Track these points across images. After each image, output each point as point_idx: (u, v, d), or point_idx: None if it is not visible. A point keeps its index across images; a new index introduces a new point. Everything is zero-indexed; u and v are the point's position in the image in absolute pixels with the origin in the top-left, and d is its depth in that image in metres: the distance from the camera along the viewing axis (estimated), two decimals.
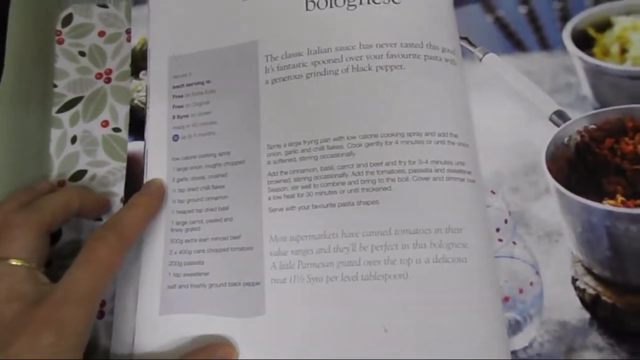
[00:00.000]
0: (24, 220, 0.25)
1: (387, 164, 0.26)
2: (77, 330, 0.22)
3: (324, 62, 0.28)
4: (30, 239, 0.25)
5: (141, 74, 0.32)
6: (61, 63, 0.34)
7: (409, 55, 0.27)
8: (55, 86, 0.33)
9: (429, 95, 0.27)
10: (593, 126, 0.28)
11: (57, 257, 0.29)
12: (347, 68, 0.27)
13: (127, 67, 0.33)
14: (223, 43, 0.30)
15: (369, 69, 0.27)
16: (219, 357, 0.25)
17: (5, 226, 0.25)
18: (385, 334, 0.24)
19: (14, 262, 0.24)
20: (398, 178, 0.25)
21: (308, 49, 0.28)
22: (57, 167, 0.32)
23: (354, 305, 0.25)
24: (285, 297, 0.26)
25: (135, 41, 0.33)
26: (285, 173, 0.27)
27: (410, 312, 0.24)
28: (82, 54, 0.34)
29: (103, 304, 0.29)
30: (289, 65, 0.28)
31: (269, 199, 0.27)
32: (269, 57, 0.29)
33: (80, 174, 0.31)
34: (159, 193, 0.28)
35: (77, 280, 0.23)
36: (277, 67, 0.28)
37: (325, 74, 0.28)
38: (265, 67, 0.29)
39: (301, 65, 0.28)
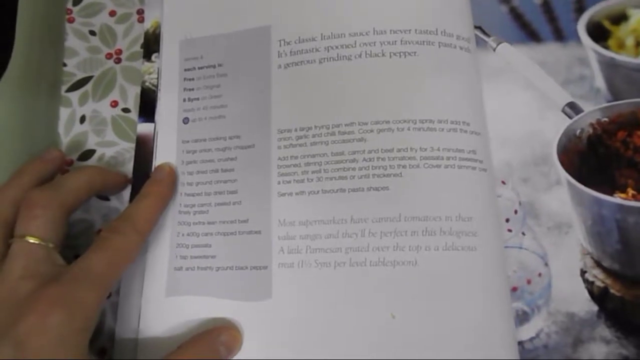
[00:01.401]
0: (47, 200, 0.24)
1: (399, 150, 0.25)
2: (87, 312, 0.22)
3: (337, 47, 0.27)
4: (51, 219, 0.24)
5: (153, 57, 0.31)
6: (71, 42, 0.33)
7: (423, 42, 0.27)
8: (64, 65, 0.32)
9: (442, 82, 0.26)
10: (606, 119, 0.28)
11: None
12: (361, 54, 0.27)
13: (137, 47, 0.32)
14: (236, 27, 0.29)
15: (383, 55, 0.26)
16: (224, 341, 0.24)
17: (27, 203, 0.24)
18: (393, 320, 0.23)
19: (32, 241, 0.23)
20: (409, 165, 0.25)
21: (322, 34, 0.27)
22: (66, 146, 0.31)
23: (361, 291, 0.24)
24: (293, 281, 0.25)
25: (148, 24, 0.32)
26: (296, 158, 0.26)
27: (418, 299, 0.24)
28: (92, 33, 0.33)
29: None
30: (302, 50, 0.28)
31: (279, 183, 0.26)
32: (282, 42, 0.28)
33: (89, 153, 0.31)
34: (170, 179, 0.28)
35: (93, 263, 0.23)
36: (290, 51, 0.28)
37: (338, 60, 0.27)
38: (278, 52, 0.28)
39: (314, 50, 0.27)
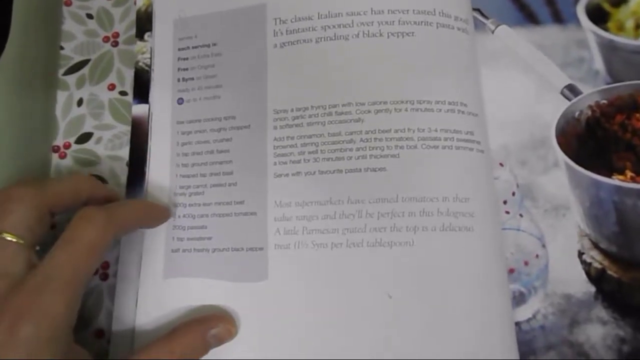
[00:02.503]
0: (24, 195, 0.23)
1: (396, 131, 0.24)
2: (55, 322, 0.20)
3: (334, 26, 0.26)
4: (27, 215, 0.22)
5: (146, 36, 0.30)
6: (68, 25, 0.32)
7: (421, 22, 0.26)
8: (62, 48, 0.32)
9: (439, 63, 0.25)
10: (604, 101, 0.27)
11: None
12: (358, 33, 0.26)
13: (134, 31, 0.31)
14: (230, 5, 0.28)
15: (380, 35, 0.26)
16: (216, 334, 0.24)
17: (4, 198, 0.23)
18: (390, 301, 0.23)
19: (7, 238, 0.22)
20: (407, 145, 0.24)
21: (318, 12, 0.27)
22: (63, 129, 0.30)
23: (358, 272, 0.24)
24: (289, 263, 0.24)
25: (140, 2, 0.31)
26: (292, 138, 0.26)
27: (415, 279, 0.23)
28: (89, 16, 0.32)
29: (107, 266, 0.28)
30: (298, 29, 0.27)
31: (275, 164, 0.26)
32: (278, 21, 0.27)
33: (87, 136, 0.30)
34: (164, 214, 0.26)
35: (58, 264, 0.21)
36: (286, 30, 0.27)
37: (335, 39, 0.26)
38: (274, 31, 0.27)
39: (311, 29, 0.26)
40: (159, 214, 0.26)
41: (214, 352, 0.24)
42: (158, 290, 0.26)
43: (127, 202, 0.25)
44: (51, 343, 0.20)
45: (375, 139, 0.24)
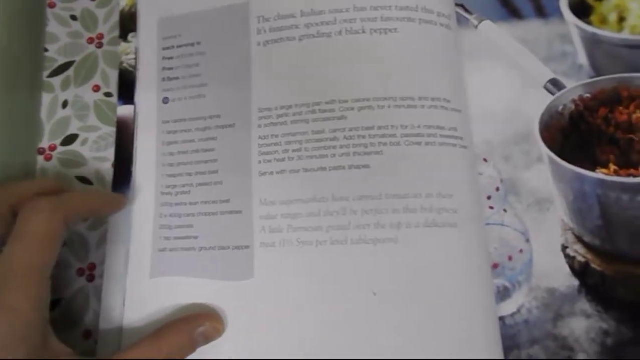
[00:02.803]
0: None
1: (380, 128, 0.24)
2: (22, 319, 0.20)
3: (317, 24, 0.26)
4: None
5: (130, 37, 0.30)
6: (52, 27, 0.32)
7: (404, 18, 0.26)
8: (46, 50, 0.31)
9: (422, 59, 0.25)
10: (588, 95, 0.27)
11: None
12: (341, 31, 0.26)
13: (118, 32, 0.31)
14: (214, 4, 0.28)
15: (363, 32, 0.26)
16: (203, 332, 0.23)
17: None
18: (374, 297, 0.23)
19: None
20: (390, 142, 0.24)
21: (301, 10, 0.26)
22: (48, 131, 0.30)
23: (343, 269, 0.23)
24: (274, 261, 0.24)
25: (124, 3, 0.31)
26: (276, 137, 0.25)
27: (399, 276, 0.23)
28: (73, 18, 0.32)
29: (93, 267, 0.28)
30: (282, 27, 0.27)
31: (259, 162, 0.25)
32: (261, 19, 0.27)
33: (72, 138, 0.30)
34: (120, 200, 0.26)
35: (13, 261, 0.20)
36: (269, 28, 0.27)
37: (318, 37, 0.26)
38: (257, 29, 0.27)
39: (294, 27, 0.26)
40: (113, 200, 0.26)
41: (201, 351, 0.24)
42: (145, 289, 0.26)
43: (77, 190, 0.25)
44: (23, 342, 0.20)
45: (358, 136, 0.24)
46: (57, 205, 0.22)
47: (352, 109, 0.25)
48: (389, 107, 0.25)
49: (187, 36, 0.28)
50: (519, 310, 0.24)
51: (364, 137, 0.24)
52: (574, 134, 0.26)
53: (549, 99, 0.27)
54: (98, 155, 0.29)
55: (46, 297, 0.21)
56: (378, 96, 0.25)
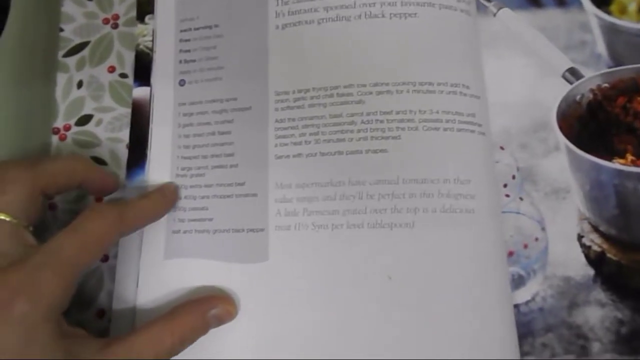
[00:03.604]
0: (17, 176, 0.22)
1: (397, 112, 0.24)
2: (50, 300, 0.20)
3: (336, 7, 0.26)
4: (21, 196, 0.22)
5: (147, 18, 0.30)
6: (68, 7, 0.31)
7: (424, 3, 0.25)
8: (61, 30, 0.31)
9: (442, 45, 0.25)
10: (606, 85, 0.27)
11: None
12: (360, 15, 0.25)
13: (134, 13, 0.31)
14: None
15: (383, 16, 0.25)
16: (216, 314, 0.23)
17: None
18: (389, 281, 0.23)
19: (1, 217, 0.22)
20: (408, 127, 0.24)
21: None
22: (63, 111, 0.30)
23: (358, 253, 0.23)
24: (289, 244, 0.24)
25: None
26: (293, 120, 0.25)
27: (415, 260, 0.23)
28: None
29: None
30: (300, 10, 0.26)
31: (276, 145, 0.25)
32: (280, 1, 0.27)
33: (87, 118, 0.30)
34: (172, 196, 0.26)
35: (61, 247, 0.21)
36: (288, 11, 0.26)
37: (337, 20, 0.26)
38: (276, 12, 0.27)
39: (313, 10, 0.26)
40: (165, 211, 0.26)
41: (213, 333, 0.24)
42: (159, 270, 0.26)
43: (137, 203, 0.24)
44: (47, 323, 0.20)
45: (376, 120, 0.24)
46: (121, 219, 0.23)
47: (370, 93, 0.24)
48: (408, 91, 0.24)
49: (205, 18, 0.28)
50: (533, 298, 0.24)
51: (381, 121, 0.24)
52: (592, 123, 0.26)
53: (566, 87, 0.27)
54: (112, 135, 0.29)
55: (73, 290, 0.21)
56: (396, 80, 0.24)
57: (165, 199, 0.26)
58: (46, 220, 0.28)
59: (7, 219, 0.22)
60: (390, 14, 0.25)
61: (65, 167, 0.24)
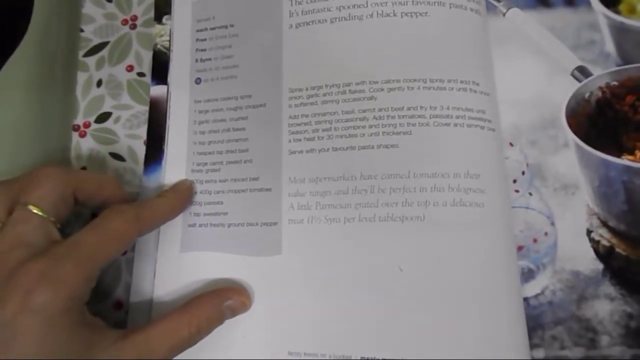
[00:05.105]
0: (53, 173, 0.23)
1: (409, 108, 0.24)
2: (71, 291, 0.20)
3: (348, 7, 0.26)
4: (54, 192, 0.23)
5: (164, 19, 0.31)
6: (88, 8, 0.32)
7: (434, 2, 0.26)
8: (82, 31, 0.32)
9: (452, 43, 0.25)
10: (615, 83, 0.27)
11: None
12: (372, 14, 0.26)
13: (152, 14, 0.31)
14: None
15: (394, 15, 0.25)
16: (231, 305, 0.24)
17: (36, 173, 0.23)
18: (401, 273, 0.23)
19: (31, 209, 0.22)
20: (419, 123, 0.24)
21: None
22: (83, 109, 0.30)
23: (370, 246, 0.23)
24: (302, 237, 0.25)
25: None
26: (307, 116, 0.25)
27: (426, 252, 0.23)
28: (108, 0, 0.32)
29: None
30: (314, 9, 0.27)
31: (289, 141, 0.26)
32: (294, 2, 0.27)
33: (105, 116, 0.30)
34: (188, 193, 0.27)
35: (82, 241, 0.21)
36: (302, 11, 0.27)
37: (349, 19, 0.26)
38: (290, 12, 0.27)
39: (326, 10, 0.26)
40: (181, 209, 0.27)
41: (228, 324, 0.24)
42: (175, 263, 0.26)
43: (154, 202, 0.25)
44: (66, 314, 0.20)
45: (387, 116, 0.24)
46: (140, 218, 0.23)
47: (382, 89, 0.25)
48: (419, 88, 0.24)
49: (221, 18, 0.28)
50: (542, 292, 0.24)
51: (393, 117, 0.24)
52: (601, 120, 0.26)
53: (575, 85, 0.27)
54: (130, 132, 0.30)
55: (94, 282, 0.22)
56: (408, 77, 0.25)
57: (181, 197, 0.26)
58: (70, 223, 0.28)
59: (38, 212, 0.22)
60: (402, 13, 0.25)
61: (97, 178, 0.25)
